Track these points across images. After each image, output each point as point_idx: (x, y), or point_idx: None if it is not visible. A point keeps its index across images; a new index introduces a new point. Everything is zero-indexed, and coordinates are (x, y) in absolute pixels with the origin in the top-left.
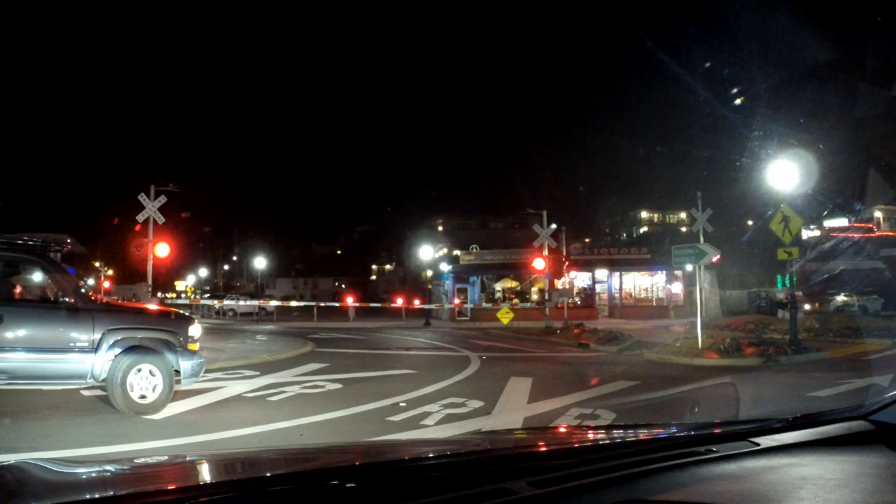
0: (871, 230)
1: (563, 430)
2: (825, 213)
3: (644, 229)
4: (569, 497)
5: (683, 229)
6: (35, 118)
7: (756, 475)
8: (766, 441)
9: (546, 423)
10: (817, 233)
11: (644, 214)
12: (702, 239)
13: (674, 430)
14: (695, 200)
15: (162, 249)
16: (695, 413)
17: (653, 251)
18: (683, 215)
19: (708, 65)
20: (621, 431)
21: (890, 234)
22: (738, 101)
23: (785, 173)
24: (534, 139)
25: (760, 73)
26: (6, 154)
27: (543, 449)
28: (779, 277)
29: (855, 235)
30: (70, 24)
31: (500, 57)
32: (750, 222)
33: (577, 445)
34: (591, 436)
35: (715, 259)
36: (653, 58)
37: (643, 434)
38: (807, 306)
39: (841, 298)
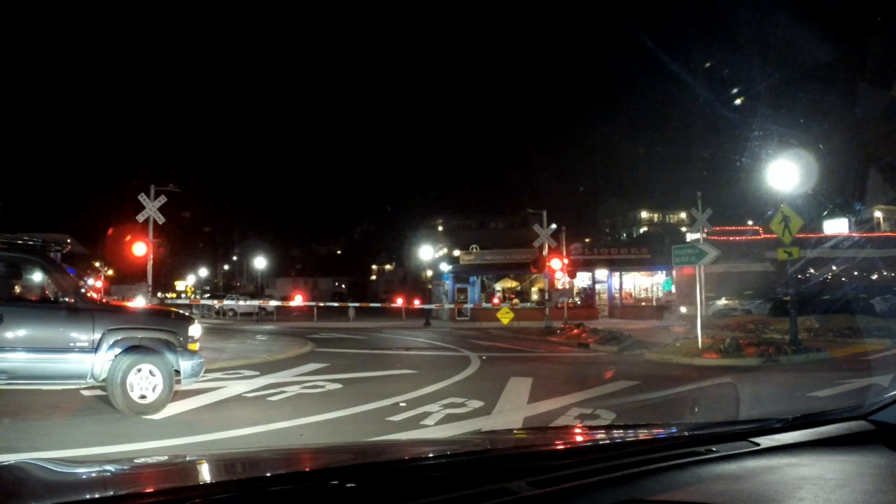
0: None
1: (562, 430)
2: (825, 213)
3: (644, 229)
4: (569, 497)
5: (683, 229)
6: (35, 118)
7: (756, 475)
8: (766, 441)
9: (546, 423)
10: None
11: (644, 214)
12: (702, 239)
13: (674, 430)
14: (695, 200)
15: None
16: (695, 413)
17: (653, 251)
18: (683, 215)
19: (708, 65)
20: (621, 431)
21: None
22: (738, 101)
23: (785, 173)
24: (534, 139)
25: (761, 73)
26: (6, 154)
27: (543, 449)
28: (666, 280)
29: (738, 238)
30: (71, 24)
31: (500, 57)
32: (750, 222)
33: (577, 445)
34: (591, 436)
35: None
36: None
37: (643, 434)
38: (682, 309)
39: (722, 302)
